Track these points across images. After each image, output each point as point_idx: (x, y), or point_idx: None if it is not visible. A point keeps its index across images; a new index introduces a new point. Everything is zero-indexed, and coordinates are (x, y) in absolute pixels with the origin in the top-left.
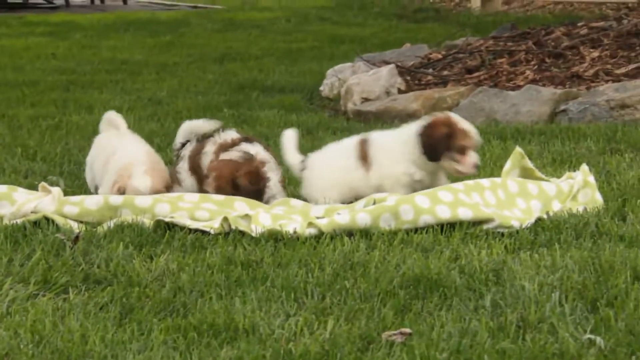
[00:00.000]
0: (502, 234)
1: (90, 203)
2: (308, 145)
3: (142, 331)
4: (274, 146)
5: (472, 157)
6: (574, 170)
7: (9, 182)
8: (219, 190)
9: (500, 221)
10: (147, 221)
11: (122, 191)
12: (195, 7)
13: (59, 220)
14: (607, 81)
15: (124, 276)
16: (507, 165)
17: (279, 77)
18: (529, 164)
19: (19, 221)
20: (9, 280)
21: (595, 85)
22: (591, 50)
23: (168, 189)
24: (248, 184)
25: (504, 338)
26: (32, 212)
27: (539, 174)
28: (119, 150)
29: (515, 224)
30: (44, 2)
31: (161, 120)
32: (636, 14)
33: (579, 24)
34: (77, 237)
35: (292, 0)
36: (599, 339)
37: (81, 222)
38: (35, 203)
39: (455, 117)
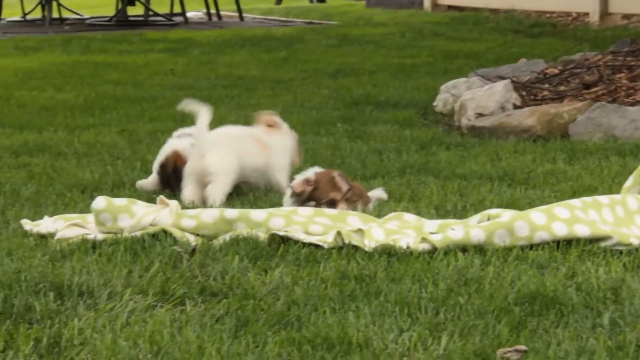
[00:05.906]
0: (621, 252)
1: (206, 216)
2: (422, 160)
3: (257, 343)
4: (386, 160)
5: None
6: None
7: (129, 195)
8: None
9: (619, 239)
10: (262, 235)
11: None
12: (310, 22)
13: (177, 233)
14: None
15: (239, 289)
16: (629, 181)
17: (393, 92)
18: None
19: (137, 234)
20: (129, 291)
21: None
22: None
23: None
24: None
25: (622, 357)
26: (150, 225)
27: None
28: None
29: (635, 241)
30: (164, 19)
31: None
32: None
33: None
34: (194, 250)
35: (406, 16)
36: None
37: (198, 235)
38: (154, 216)
39: None
